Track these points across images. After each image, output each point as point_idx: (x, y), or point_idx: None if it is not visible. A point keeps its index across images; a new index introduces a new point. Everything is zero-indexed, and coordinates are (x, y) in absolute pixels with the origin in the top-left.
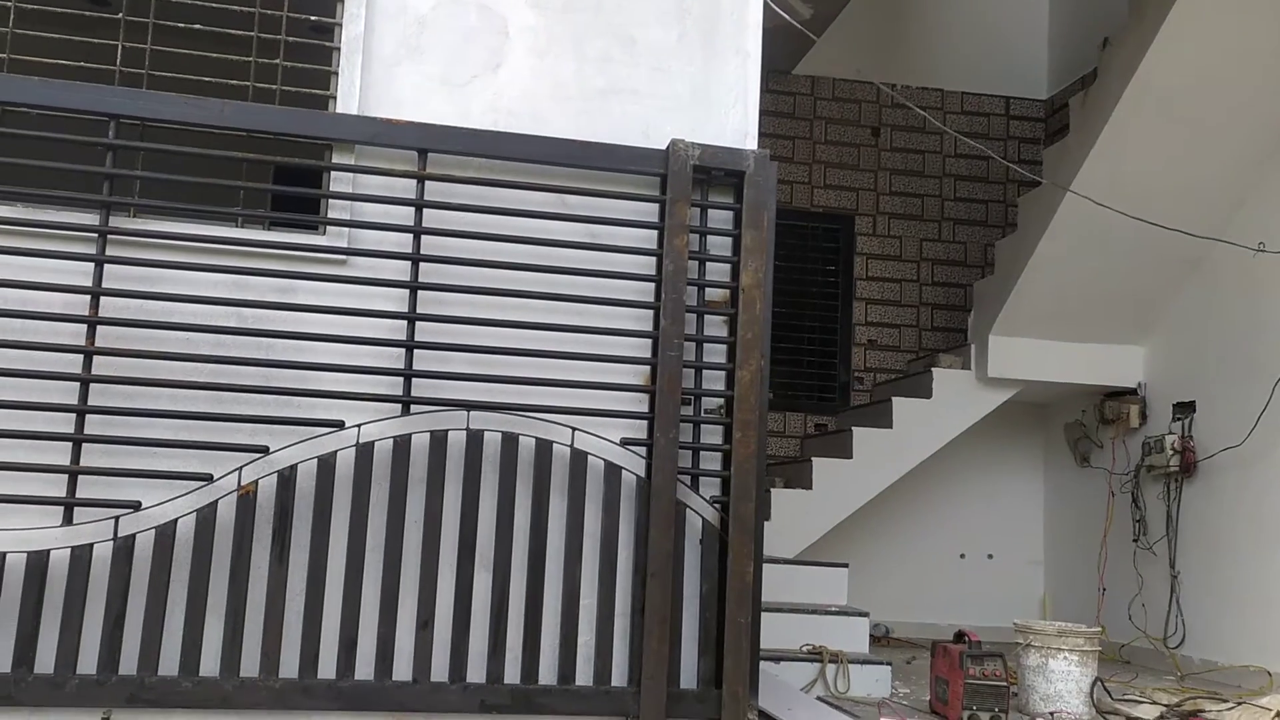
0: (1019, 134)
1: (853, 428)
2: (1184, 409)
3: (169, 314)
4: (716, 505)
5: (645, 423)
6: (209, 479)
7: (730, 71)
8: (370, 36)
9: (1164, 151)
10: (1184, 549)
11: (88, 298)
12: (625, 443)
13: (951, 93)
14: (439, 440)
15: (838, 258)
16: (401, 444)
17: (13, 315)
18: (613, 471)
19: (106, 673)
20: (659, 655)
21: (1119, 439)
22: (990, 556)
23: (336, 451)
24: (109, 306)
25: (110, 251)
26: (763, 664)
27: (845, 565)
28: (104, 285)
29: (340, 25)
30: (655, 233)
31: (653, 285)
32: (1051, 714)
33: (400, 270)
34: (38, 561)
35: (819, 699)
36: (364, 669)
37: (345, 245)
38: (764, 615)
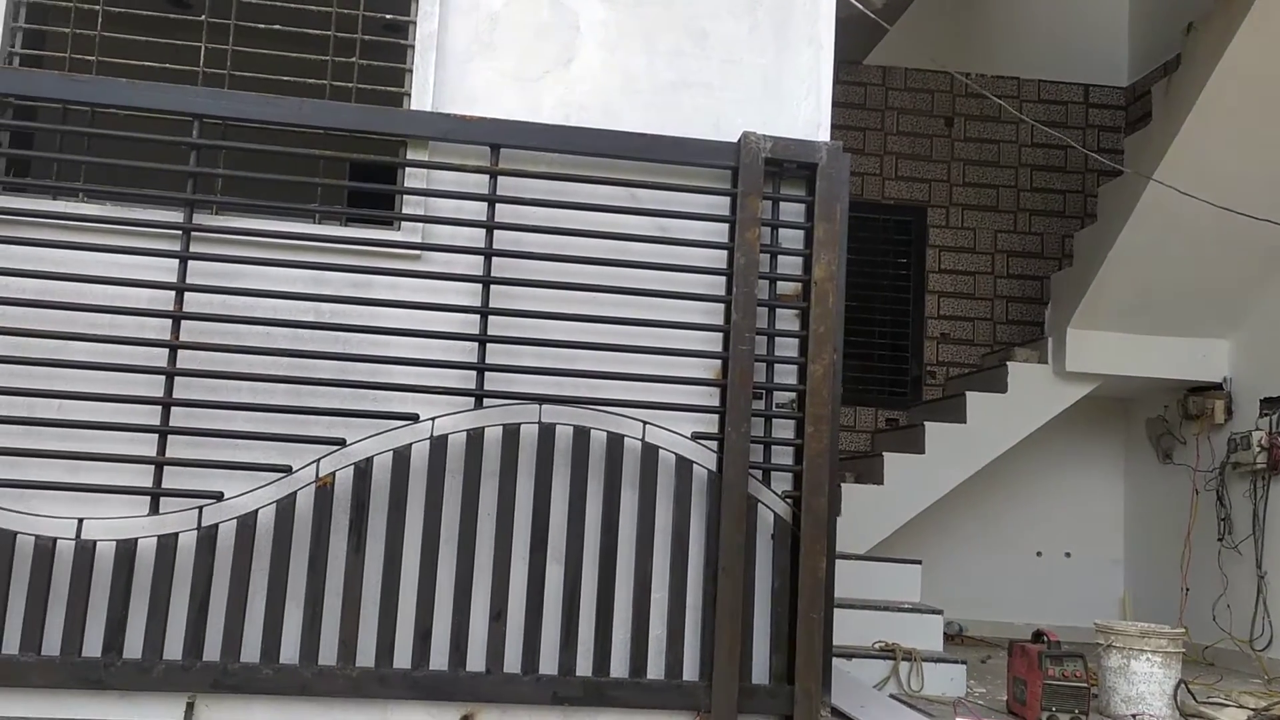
0: (1098, 122)
1: (925, 422)
2: (1272, 404)
3: (250, 309)
4: (788, 500)
5: (716, 417)
6: (288, 470)
7: (803, 62)
8: (444, 33)
9: (1251, 139)
10: (1271, 548)
11: (172, 293)
12: (696, 437)
13: (1028, 81)
14: (511, 434)
15: (909, 250)
16: (475, 437)
17: (102, 310)
18: (684, 466)
19: (191, 658)
20: (730, 650)
21: (1203, 435)
22: (1068, 555)
23: (411, 444)
24: (192, 302)
25: (193, 248)
26: (834, 660)
27: (918, 562)
28: (188, 281)
29: (415, 23)
30: (726, 226)
31: (724, 279)
32: (1133, 716)
33: (473, 265)
34: (126, 550)
35: (892, 697)
36: (438, 659)
37: (419, 240)
38: (835, 611)
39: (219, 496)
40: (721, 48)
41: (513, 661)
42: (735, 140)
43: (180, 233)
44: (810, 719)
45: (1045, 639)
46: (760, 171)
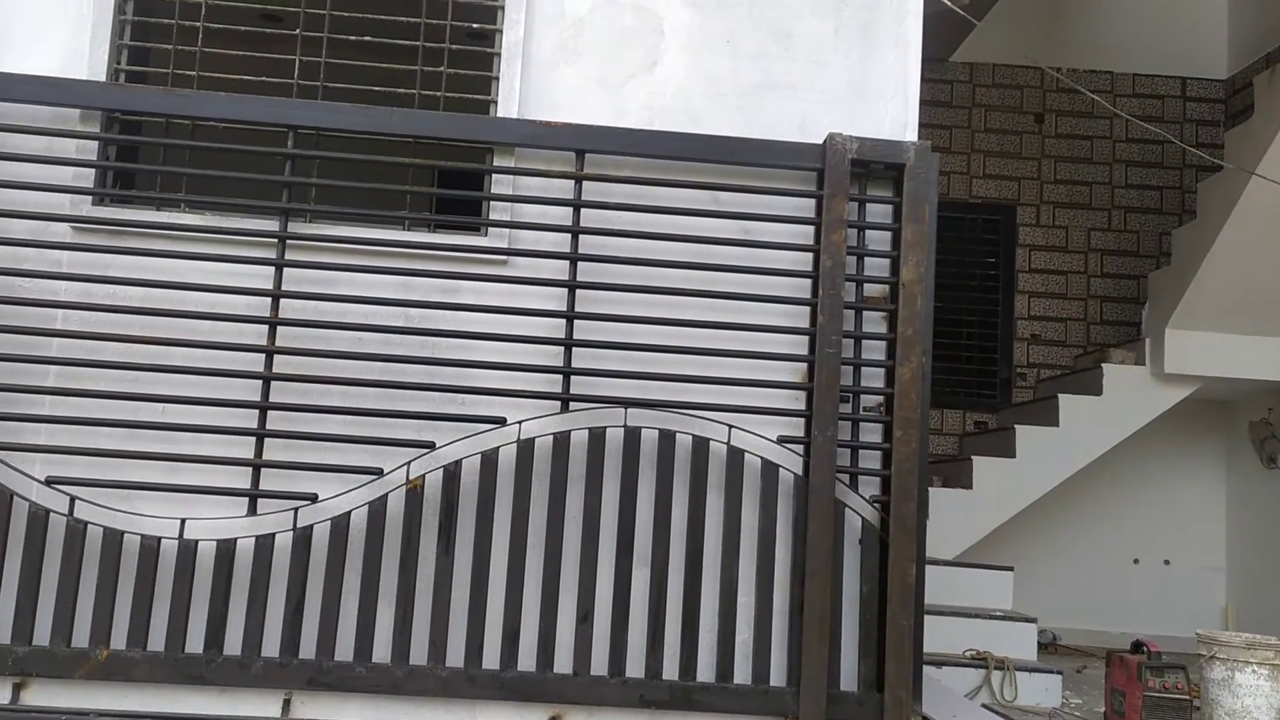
0: (1196, 116)
1: (1016, 426)
2: None
3: (341, 315)
4: (876, 505)
5: (803, 420)
6: (379, 473)
7: (890, 62)
8: (529, 41)
9: None
10: None
11: (268, 300)
12: (782, 440)
13: (1122, 75)
14: (597, 437)
15: (998, 250)
16: (561, 440)
17: (201, 317)
18: (770, 469)
19: (288, 656)
20: (818, 656)
21: None
22: (1167, 562)
23: (499, 448)
24: (286, 308)
25: (288, 255)
26: (924, 668)
27: (1010, 569)
28: (283, 288)
29: (500, 31)
30: (811, 228)
31: (809, 281)
32: None
33: (559, 270)
34: (226, 549)
35: (984, 706)
36: (526, 660)
37: (506, 246)
38: (925, 618)
39: (314, 498)
40: (806, 48)
41: (599, 664)
42: (821, 142)
43: (276, 241)
44: None
45: (1145, 649)
46: (846, 173)
